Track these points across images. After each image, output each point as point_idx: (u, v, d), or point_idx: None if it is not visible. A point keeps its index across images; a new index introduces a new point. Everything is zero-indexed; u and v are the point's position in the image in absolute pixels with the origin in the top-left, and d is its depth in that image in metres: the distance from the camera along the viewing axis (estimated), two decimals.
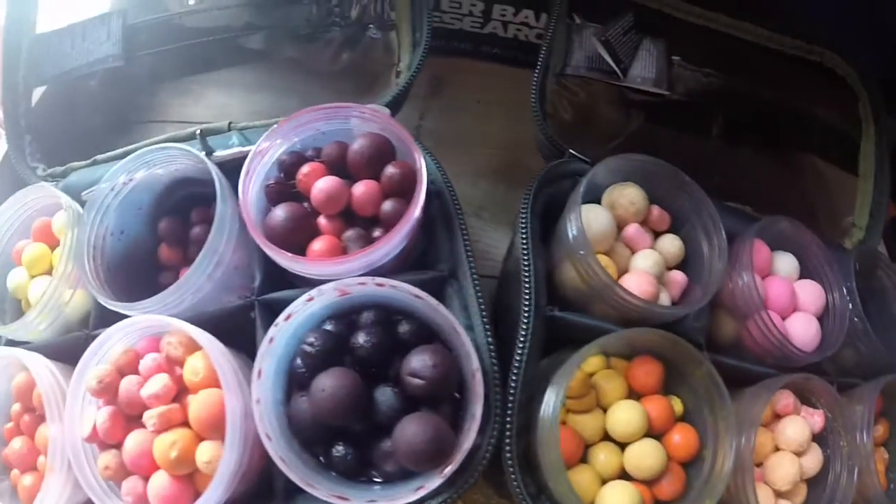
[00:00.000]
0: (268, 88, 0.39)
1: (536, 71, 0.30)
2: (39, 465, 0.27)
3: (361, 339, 0.22)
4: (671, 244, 0.28)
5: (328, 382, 0.21)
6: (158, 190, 0.30)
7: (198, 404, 0.22)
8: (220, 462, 0.20)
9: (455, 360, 0.22)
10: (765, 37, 0.32)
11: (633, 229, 0.27)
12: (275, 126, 0.26)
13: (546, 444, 0.21)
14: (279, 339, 0.22)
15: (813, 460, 0.25)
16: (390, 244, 0.23)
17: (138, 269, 0.29)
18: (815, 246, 0.29)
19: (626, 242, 0.27)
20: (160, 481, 0.22)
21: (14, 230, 0.32)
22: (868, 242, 0.34)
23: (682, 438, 0.24)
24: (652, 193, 0.28)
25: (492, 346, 0.23)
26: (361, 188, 0.25)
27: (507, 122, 0.36)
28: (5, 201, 0.31)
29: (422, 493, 0.19)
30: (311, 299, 0.21)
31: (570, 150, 0.29)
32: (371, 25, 0.34)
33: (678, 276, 0.27)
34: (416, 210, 0.23)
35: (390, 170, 0.25)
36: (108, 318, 0.27)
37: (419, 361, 0.21)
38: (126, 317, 0.24)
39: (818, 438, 0.26)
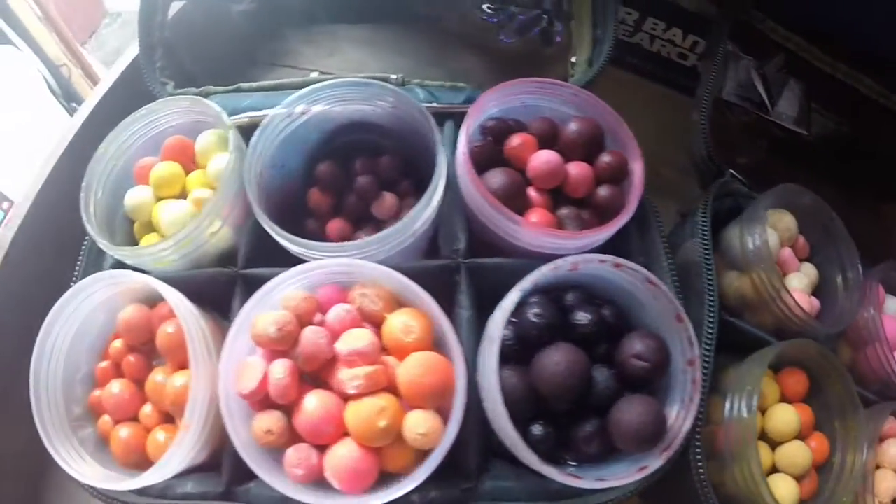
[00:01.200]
0: (412, 54, 0.38)
1: (706, 93, 0.32)
2: (142, 417, 0.24)
3: (583, 317, 0.22)
4: (811, 271, 0.30)
5: (560, 357, 0.21)
6: (328, 129, 0.28)
7: (414, 368, 0.20)
8: (443, 435, 0.19)
9: (666, 347, 0.23)
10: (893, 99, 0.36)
11: (787, 252, 0.30)
12: (490, 91, 0.26)
13: (742, 440, 0.22)
14: (508, 302, 0.21)
15: None
16: (612, 230, 0.23)
17: (285, 210, 0.27)
18: None
19: (780, 264, 0.30)
20: (347, 453, 0.19)
21: (139, 145, 0.28)
22: None
23: (817, 445, 0.27)
24: (799, 222, 0.31)
25: (699, 350, 0.23)
26: (577, 169, 0.25)
27: (647, 132, 0.38)
28: (139, 110, 0.27)
29: (645, 472, 0.20)
30: (555, 268, 0.21)
31: (731, 171, 0.31)
32: (548, 13, 0.34)
33: (814, 301, 0.30)
34: (636, 200, 0.24)
35: (606, 157, 0.25)
36: (256, 259, 0.25)
37: (644, 345, 0.22)
38: (281, 262, 0.22)
39: None
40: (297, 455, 0.20)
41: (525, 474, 0.22)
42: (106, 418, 0.25)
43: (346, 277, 0.23)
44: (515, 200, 0.24)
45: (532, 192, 0.25)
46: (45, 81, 0.56)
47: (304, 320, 0.22)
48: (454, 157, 0.25)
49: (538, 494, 0.21)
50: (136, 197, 0.27)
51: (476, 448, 0.22)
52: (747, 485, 0.22)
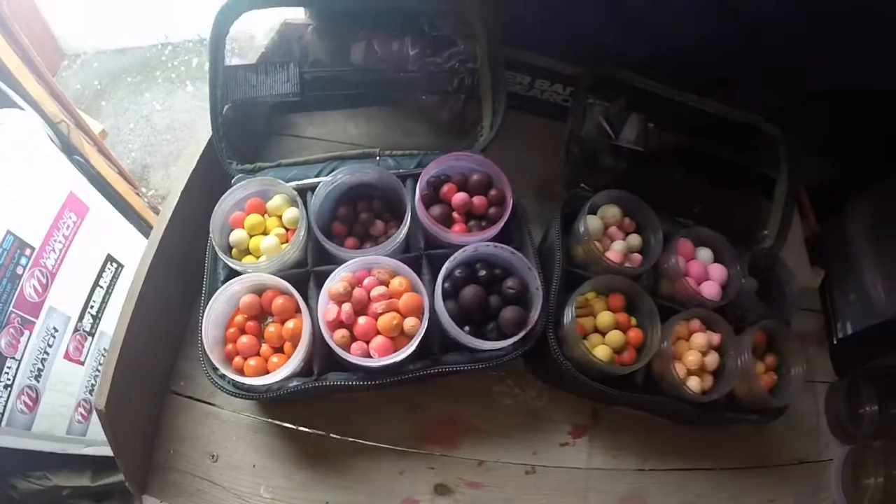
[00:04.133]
0: (381, 124, 0.87)
1: (566, 137, 0.81)
2: (262, 353, 0.72)
3: (482, 272, 0.70)
4: (634, 238, 0.79)
5: (471, 292, 0.69)
6: (344, 188, 0.76)
7: (405, 300, 0.68)
8: (421, 327, 0.67)
9: (526, 284, 0.70)
10: (713, 107, 0.84)
11: (613, 230, 0.78)
12: (433, 160, 0.74)
13: (569, 328, 0.70)
14: (444, 267, 0.69)
15: (713, 359, 0.75)
16: (495, 231, 0.71)
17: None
18: (723, 245, 0.81)
19: (609, 236, 0.77)
20: (380, 341, 0.68)
21: (233, 204, 0.76)
22: (776, 247, 0.85)
23: (635, 334, 0.74)
24: (626, 210, 0.78)
25: (541, 285, 0.71)
26: (478, 201, 0.74)
27: (542, 157, 0.86)
28: (234, 187, 0.75)
29: (518, 336, 0.67)
30: (463, 250, 0.69)
31: (582, 185, 0.79)
32: (464, 96, 0.83)
33: (637, 256, 0.78)
34: (508, 212, 0.72)
35: (493, 191, 0.74)
36: (317, 260, 0.73)
37: (513, 282, 0.70)
38: (326, 261, 0.70)
39: (720, 350, 0.76)
40: (355, 346, 0.68)
41: (463, 351, 0.69)
42: (238, 359, 0.72)
43: (367, 265, 0.71)
44: (447, 220, 0.73)
45: (455, 215, 0.74)
46: (49, 138, 1.03)
47: (352, 287, 0.70)
48: (414, 199, 0.73)
49: (470, 359, 0.69)
50: (238, 236, 0.75)
51: (437, 341, 0.70)
52: (580, 350, 0.69)
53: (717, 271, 0.80)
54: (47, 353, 0.90)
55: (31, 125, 0.91)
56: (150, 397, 0.74)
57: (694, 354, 0.75)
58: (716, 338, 0.76)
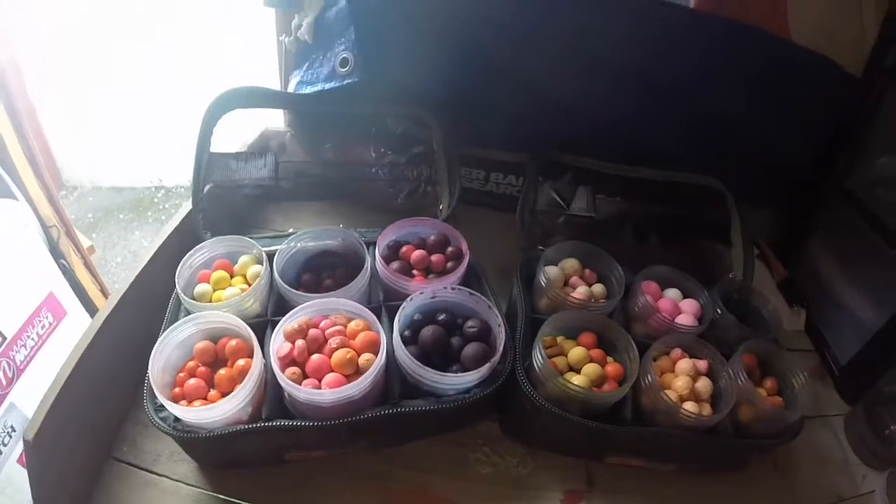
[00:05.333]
0: (346, 213, 0.95)
1: (519, 208, 0.87)
2: (210, 397, 0.67)
3: (441, 316, 0.70)
4: (597, 287, 0.79)
5: (431, 330, 0.68)
6: (308, 255, 0.80)
7: (362, 337, 0.66)
8: (375, 361, 0.64)
9: (488, 324, 0.69)
10: (657, 174, 0.91)
11: (574, 279, 0.79)
12: (390, 226, 0.79)
13: (541, 366, 0.66)
14: (404, 313, 0.69)
15: (705, 384, 0.69)
16: (454, 279, 0.73)
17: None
18: (690, 282, 0.81)
19: (571, 285, 0.78)
20: (332, 377, 0.64)
21: (201, 263, 0.78)
22: (746, 280, 0.84)
23: (613, 368, 0.70)
24: (584, 262, 0.80)
25: (503, 322, 0.69)
26: (436, 258, 0.77)
27: (503, 245, 0.91)
28: (204, 242, 0.78)
29: (483, 370, 0.64)
30: (421, 293, 0.70)
31: (540, 248, 0.83)
32: (424, 184, 0.92)
33: (602, 300, 0.77)
34: (463, 268, 0.74)
35: (450, 248, 0.77)
36: (276, 312, 0.73)
37: (473, 322, 0.69)
38: (285, 312, 0.70)
39: (710, 376, 0.70)
40: (309, 381, 0.64)
41: (427, 397, 0.65)
42: (183, 402, 0.66)
43: (325, 308, 0.70)
44: (406, 274, 0.75)
45: (414, 271, 0.76)
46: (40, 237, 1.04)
47: (308, 327, 0.68)
48: (375, 261, 0.76)
49: (434, 402, 0.64)
50: (202, 289, 0.76)
51: (397, 386, 0.66)
52: (555, 385, 0.65)
53: (689, 305, 0.79)
54: (0, 452, 0.83)
55: (26, 217, 0.97)
56: (86, 458, 0.67)
57: (682, 379, 0.69)
58: (702, 364, 0.71)
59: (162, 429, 0.61)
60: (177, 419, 0.63)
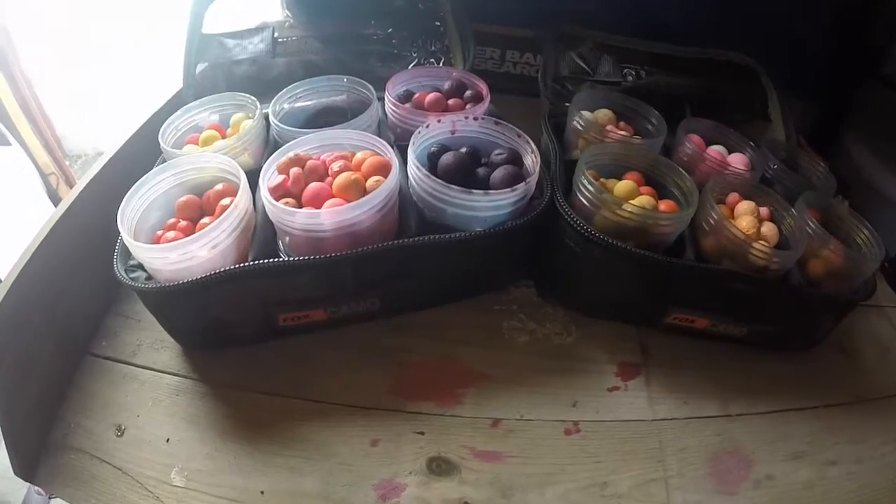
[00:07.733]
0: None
1: (541, 74, 0.77)
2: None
3: (465, 148, 0.59)
4: (635, 139, 0.69)
5: (453, 156, 0.57)
6: (307, 114, 0.69)
7: (370, 162, 0.54)
8: (384, 183, 0.52)
9: (517, 152, 0.58)
10: (682, 51, 0.81)
11: (609, 127, 0.68)
12: (400, 73, 0.69)
13: (588, 186, 0.56)
14: (419, 141, 0.58)
15: (770, 229, 0.58)
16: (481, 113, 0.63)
17: None
18: (735, 137, 0.71)
19: (607, 131, 0.68)
20: (334, 202, 0.51)
21: (188, 128, 0.67)
22: (789, 140, 0.76)
23: (667, 205, 0.59)
24: (620, 115, 0.71)
25: (536, 150, 0.59)
26: (454, 101, 0.67)
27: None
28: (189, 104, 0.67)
29: (516, 193, 0.53)
30: (440, 121, 0.59)
31: (567, 104, 0.73)
32: (434, 59, 0.82)
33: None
34: (484, 108, 0.64)
35: (469, 92, 0.67)
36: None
37: (501, 150, 0.58)
38: None
39: (774, 220, 0.60)
40: (305, 210, 0.52)
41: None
42: None
43: (327, 142, 0.59)
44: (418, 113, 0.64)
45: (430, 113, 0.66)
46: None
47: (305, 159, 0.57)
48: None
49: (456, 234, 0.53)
50: (189, 149, 0.64)
51: (414, 223, 0.54)
52: (604, 215, 0.54)
53: (737, 158, 0.69)
54: None
55: (21, 163, 0.90)
56: (57, 350, 0.54)
57: (747, 219, 0.58)
58: (764, 210, 0.61)
59: (134, 287, 0.50)
60: (149, 277, 0.52)
